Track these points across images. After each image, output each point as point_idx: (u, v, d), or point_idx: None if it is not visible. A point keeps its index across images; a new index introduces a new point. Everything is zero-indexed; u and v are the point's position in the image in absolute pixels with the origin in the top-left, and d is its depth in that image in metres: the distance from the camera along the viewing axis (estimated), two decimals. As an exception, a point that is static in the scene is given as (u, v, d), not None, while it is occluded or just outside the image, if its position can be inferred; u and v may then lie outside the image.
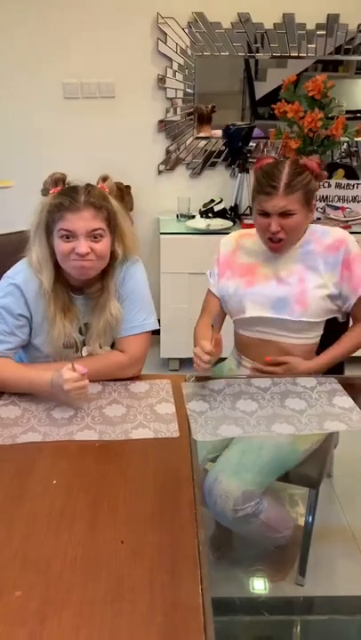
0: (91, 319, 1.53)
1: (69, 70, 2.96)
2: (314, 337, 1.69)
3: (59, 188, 1.44)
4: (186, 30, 2.91)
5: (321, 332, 1.70)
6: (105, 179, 1.51)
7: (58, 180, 1.45)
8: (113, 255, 1.49)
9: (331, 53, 3.01)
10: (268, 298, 1.64)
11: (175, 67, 2.98)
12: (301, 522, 1.88)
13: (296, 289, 1.63)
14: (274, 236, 1.58)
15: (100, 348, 1.56)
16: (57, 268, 1.47)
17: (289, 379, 1.58)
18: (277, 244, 1.60)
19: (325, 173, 1.70)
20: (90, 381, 1.47)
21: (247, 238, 1.75)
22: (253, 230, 1.71)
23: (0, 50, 2.91)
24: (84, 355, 1.56)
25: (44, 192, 1.46)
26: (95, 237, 1.41)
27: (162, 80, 3.00)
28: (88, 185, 1.44)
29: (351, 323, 1.72)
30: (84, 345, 1.56)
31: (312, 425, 1.37)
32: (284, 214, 1.55)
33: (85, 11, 2.87)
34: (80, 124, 3.05)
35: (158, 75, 3.00)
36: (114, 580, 0.93)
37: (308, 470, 1.60)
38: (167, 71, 2.99)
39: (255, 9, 2.89)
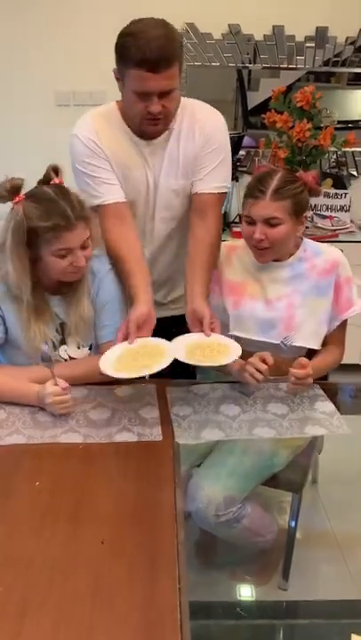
0: (66, 318, 1.55)
1: (61, 78, 2.99)
2: (304, 353, 1.70)
3: (21, 197, 1.40)
4: (177, 40, 2.95)
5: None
6: (56, 170, 1.45)
7: (18, 187, 1.39)
8: None
9: (323, 64, 3.06)
10: (255, 320, 1.62)
11: (167, 76, 3.02)
12: (283, 524, 1.89)
13: (284, 313, 1.60)
14: (258, 244, 1.56)
15: (79, 348, 1.57)
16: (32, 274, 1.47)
17: (272, 384, 1.59)
18: (262, 251, 1.58)
19: (321, 189, 1.70)
20: (75, 385, 1.49)
21: (237, 252, 1.71)
22: (242, 243, 1.68)
23: None
24: (61, 354, 1.58)
25: (2, 198, 1.41)
26: (84, 247, 1.44)
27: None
28: (62, 195, 1.40)
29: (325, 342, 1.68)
30: (62, 344, 1.58)
31: (293, 429, 1.39)
32: (270, 222, 1.52)
33: (78, 18, 2.90)
34: (71, 132, 3.07)
35: (150, 84, 3.03)
36: (93, 577, 0.95)
37: (291, 475, 1.61)
38: (159, 80, 3.02)
39: (246, 20, 2.93)
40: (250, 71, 3.09)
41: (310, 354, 1.66)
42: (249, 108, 3.22)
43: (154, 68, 1.38)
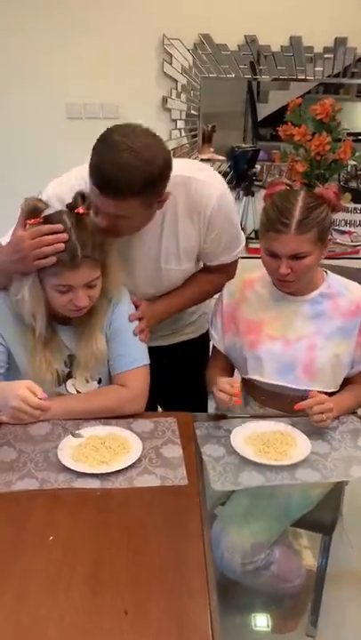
0: (76, 351, 1.45)
1: (73, 90, 2.92)
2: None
3: (37, 220, 1.29)
4: (191, 51, 2.87)
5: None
6: (83, 197, 1.33)
7: (36, 209, 1.30)
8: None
9: (336, 75, 2.98)
10: (273, 363, 1.51)
11: (180, 88, 2.94)
12: (310, 566, 1.77)
13: (304, 355, 1.50)
14: (283, 278, 1.44)
15: (87, 382, 1.48)
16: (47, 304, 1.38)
17: (308, 418, 1.47)
18: (287, 284, 1.47)
19: (343, 204, 1.60)
20: (90, 419, 1.39)
21: (253, 287, 1.59)
22: (260, 273, 1.58)
23: (2, 68, 2.87)
24: (68, 388, 1.48)
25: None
26: (91, 286, 1.34)
27: (166, 101, 2.95)
28: (78, 230, 1.29)
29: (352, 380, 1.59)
30: (70, 377, 1.48)
31: (338, 471, 1.27)
32: (295, 256, 1.40)
33: (91, 30, 2.83)
34: (82, 145, 2.99)
35: (163, 96, 2.95)
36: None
37: (321, 515, 1.50)
38: (172, 92, 2.95)
39: (262, 31, 2.85)
40: (259, 83, 3.01)
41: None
42: (258, 120, 3.15)
43: (102, 189, 1.26)
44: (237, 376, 1.64)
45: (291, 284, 1.47)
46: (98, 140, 1.29)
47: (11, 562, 1.00)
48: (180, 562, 1.01)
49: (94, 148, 1.28)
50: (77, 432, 1.33)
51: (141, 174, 1.24)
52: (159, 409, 1.78)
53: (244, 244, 1.68)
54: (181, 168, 1.42)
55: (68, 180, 1.48)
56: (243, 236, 1.67)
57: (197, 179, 1.47)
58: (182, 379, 1.75)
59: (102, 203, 1.29)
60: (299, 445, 1.34)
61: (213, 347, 1.68)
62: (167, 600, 0.93)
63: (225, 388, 1.38)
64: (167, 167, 1.30)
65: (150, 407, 1.51)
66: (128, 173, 1.23)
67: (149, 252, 1.53)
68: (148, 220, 1.40)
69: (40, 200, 1.32)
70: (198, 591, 0.95)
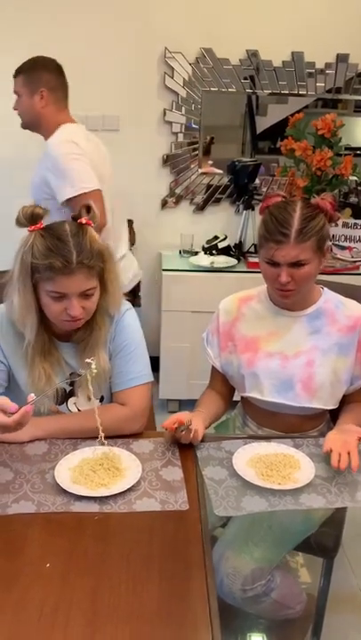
0: (78, 368, 1.42)
1: (74, 102, 2.90)
2: (323, 412, 1.57)
3: (38, 226, 1.29)
4: (193, 65, 2.86)
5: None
6: (88, 209, 1.33)
7: (38, 215, 1.29)
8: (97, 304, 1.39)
9: (337, 90, 2.98)
10: (271, 380, 1.49)
11: (181, 101, 2.93)
12: (311, 589, 1.73)
13: (303, 372, 1.48)
14: (283, 287, 1.43)
15: (89, 400, 1.44)
16: (39, 312, 1.35)
17: (311, 440, 1.44)
18: (287, 293, 1.46)
19: (339, 214, 1.59)
20: (88, 438, 1.36)
21: (249, 303, 1.58)
22: (255, 290, 1.58)
23: (5, 78, 2.85)
24: (69, 407, 1.45)
25: (18, 223, 1.31)
26: (87, 296, 1.31)
27: (167, 114, 2.95)
28: (77, 237, 1.28)
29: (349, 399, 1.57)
30: (72, 396, 1.45)
31: (343, 496, 1.23)
32: (296, 264, 1.40)
33: (93, 42, 2.82)
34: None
35: (164, 109, 2.94)
36: None
37: (323, 539, 1.47)
38: (173, 105, 2.94)
39: (264, 46, 2.85)
40: (257, 96, 3.01)
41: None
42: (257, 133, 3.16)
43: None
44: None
45: (290, 293, 1.45)
46: None
47: (5, 595, 0.95)
48: (182, 592, 0.97)
49: None
50: (88, 360, 1.29)
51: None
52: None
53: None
54: None
55: None
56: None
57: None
58: None
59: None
60: (302, 468, 1.31)
61: (212, 368, 1.65)
62: (169, 633, 0.90)
63: (167, 424, 1.34)
64: None
65: (149, 426, 1.48)
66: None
67: None
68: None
69: (38, 206, 1.30)
70: (201, 623, 0.91)
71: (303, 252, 1.39)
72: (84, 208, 1.33)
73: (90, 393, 1.35)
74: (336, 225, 2.92)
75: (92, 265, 1.29)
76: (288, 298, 1.48)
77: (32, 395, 1.19)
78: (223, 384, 1.63)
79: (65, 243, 1.26)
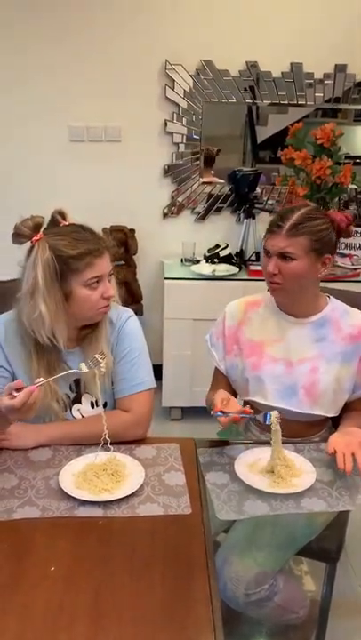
0: (83, 374, 1.42)
1: (76, 113, 2.95)
2: (325, 419, 1.59)
3: (41, 234, 1.33)
4: (193, 77, 2.91)
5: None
6: (63, 215, 1.40)
7: (40, 224, 1.34)
8: None
9: (336, 100, 3.02)
10: (275, 385, 1.51)
11: (182, 112, 2.97)
12: (314, 595, 1.74)
13: (306, 378, 1.50)
14: (271, 278, 1.47)
15: (93, 407, 1.46)
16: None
17: (312, 444, 1.46)
18: (275, 286, 1.48)
19: (353, 229, 1.61)
20: (91, 445, 1.37)
21: (255, 309, 1.60)
22: (262, 295, 1.60)
23: (6, 90, 2.89)
24: (74, 413, 1.46)
25: (18, 239, 1.33)
26: (110, 276, 1.40)
27: (168, 125, 2.98)
28: (81, 227, 1.37)
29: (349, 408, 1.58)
30: (76, 402, 1.47)
31: (344, 499, 1.25)
32: (284, 257, 1.43)
33: (95, 54, 2.87)
34: (85, 167, 3.02)
35: (165, 120, 2.98)
36: None
37: (326, 544, 1.48)
38: (174, 116, 2.98)
39: (263, 57, 2.89)
40: (258, 107, 3.05)
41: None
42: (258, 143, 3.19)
43: None
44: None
45: (277, 287, 1.48)
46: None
47: (11, 597, 0.97)
48: (185, 595, 0.98)
49: None
50: (96, 355, 1.33)
51: None
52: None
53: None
54: None
55: None
56: None
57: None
58: None
59: None
60: (304, 473, 1.32)
61: (215, 370, 1.67)
62: (172, 636, 0.91)
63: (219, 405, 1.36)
64: None
65: None
66: None
67: None
68: None
69: (38, 216, 1.35)
70: (204, 626, 0.92)
71: (292, 246, 1.42)
72: (57, 214, 1.39)
73: (97, 390, 1.37)
74: (347, 237, 2.94)
75: (111, 245, 1.40)
76: (275, 292, 1.51)
77: (40, 379, 1.23)
78: (226, 387, 1.65)
79: (85, 229, 1.36)
